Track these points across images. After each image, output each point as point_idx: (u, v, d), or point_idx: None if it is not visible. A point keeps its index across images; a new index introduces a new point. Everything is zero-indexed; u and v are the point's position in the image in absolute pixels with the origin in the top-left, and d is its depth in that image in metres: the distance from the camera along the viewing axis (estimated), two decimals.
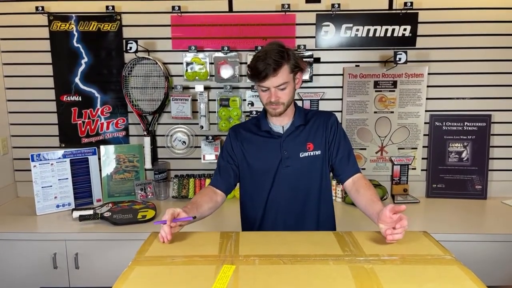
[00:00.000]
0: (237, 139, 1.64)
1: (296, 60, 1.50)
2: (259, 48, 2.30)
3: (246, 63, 2.37)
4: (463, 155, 2.43)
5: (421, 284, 1.00)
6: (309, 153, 1.57)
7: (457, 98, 2.41)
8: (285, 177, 1.56)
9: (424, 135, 2.45)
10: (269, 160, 1.57)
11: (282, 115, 1.55)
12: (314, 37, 2.36)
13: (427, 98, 2.40)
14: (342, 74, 2.40)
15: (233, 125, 1.75)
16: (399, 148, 2.46)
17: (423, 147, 2.46)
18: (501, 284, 1.90)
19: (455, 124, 2.42)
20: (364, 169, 2.46)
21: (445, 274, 1.04)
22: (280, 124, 1.59)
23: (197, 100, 2.41)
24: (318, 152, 1.57)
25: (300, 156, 1.56)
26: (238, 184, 1.69)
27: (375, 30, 2.34)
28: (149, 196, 2.45)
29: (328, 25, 2.35)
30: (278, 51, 1.45)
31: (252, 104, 2.40)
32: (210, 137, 2.40)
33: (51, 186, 2.23)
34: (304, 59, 2.34)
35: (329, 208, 1.65)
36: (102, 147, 2.43)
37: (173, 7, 2.28)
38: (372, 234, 1.32)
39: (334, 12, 2.29)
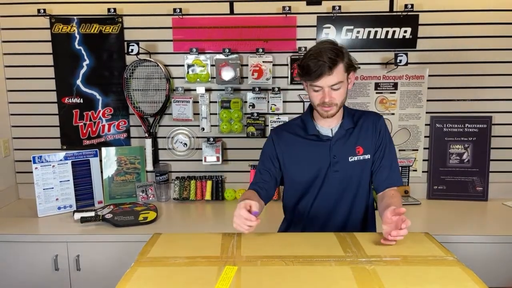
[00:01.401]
0: (280, 143, 1.57)
1: (350, 58, 1.43)
2: (260, 50, 2.31)
3: (247, 65, 2.37)
4: (464, 156, 2.43)
5: (423, 285, 1.00)
6: (358, 157, 1.51)
7: (458, 100, 2.42)
8: (333, 182, 1.51)
9: (425, 136, 2.45)
10: (317, 165, 1.51)
11: (336, 117, 1.50)
12: (315, 39, 2.37)
13: (427, 100, 2.41)
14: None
15: (275, 127, 1.67)
16: (400, 150, 2.46)
17: (424, 148, 2.46)
18: (502, 285, 1.89)
19: (456, 125, 2.42)
20: None
21: (447, 275, 1.04)
22: (328, 126, 1.53)
23: (198, 102, 2.41)
24: (367, 156, 1.52)
25: (350, 160, 1.51)
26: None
27: (376, 32, 2.35)
28: (150, 198, 2.45)
29: (329, 27, 2.36)
30: (333, 48, 1.38)
31: (253, 106, 2.41)
32: (211, 139, 2.40)
33: (52, 188, 2.23)
34: None
35: (373, 212, 1.62)
36: (103, 149, 2.44)
37: (174, 10, 2.29)
38: (374, 235, 1.32)
39: (334, 14, 2.29)
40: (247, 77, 2.39)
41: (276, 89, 2.37)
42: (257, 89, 2.37)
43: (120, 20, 2.38)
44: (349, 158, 1.51)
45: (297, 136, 1.55)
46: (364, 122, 1.55)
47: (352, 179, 1.52)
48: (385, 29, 2.34)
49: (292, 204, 1.62)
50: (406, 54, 2.22)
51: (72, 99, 2.45)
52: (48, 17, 2.36)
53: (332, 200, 1.54)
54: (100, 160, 2.41)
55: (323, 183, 1.52)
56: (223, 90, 2.40)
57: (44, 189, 2.21)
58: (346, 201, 1.54)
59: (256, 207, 1.29)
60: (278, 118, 2.39)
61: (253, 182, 1.58)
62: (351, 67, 1.43)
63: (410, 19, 2.32)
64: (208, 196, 2.45)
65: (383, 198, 1.48)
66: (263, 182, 1.56)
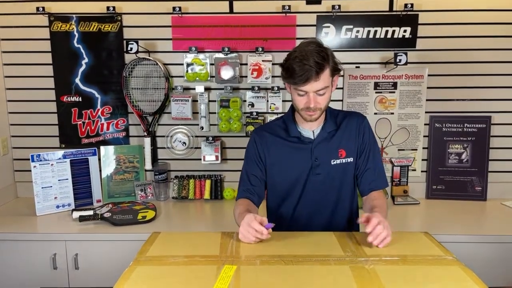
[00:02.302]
0: (262, 144, 1.54)
1: (335, 61, 1.38)
2: (260, 49, 2.31)
3: (246, 64, 2.37)
4: (463, 156, 2.43)
5: (422, 284, 1.00)
6: (341, 160, 1.49)
7: (457, 100, 2.42)
8: (314, 186, 1.49)
9: (424, 136, 2.45)
10: (299, 168, 1.49)
11: (318, 119, 1.46)
12: (314, 38, 2.36)
13: (427, 100, 2.41)
14: (343, 75, 2.40)
15: (256, 128, 1.62)
16: (399, 150, 2.46)
17: (423, 148, 2.46)
18: (501, 285, 1.90)
19: (455, 125, 2.42)
20: None
21: (447, 275, 1.04)
22: (310, 128, 1.50)
23: (197, 101, 2.41)
24: (350, 159, 1.50)
25: (332, 163, 1.48)
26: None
27: (376, 31, 2.35)
28: (149, 197, 2.45)
29: (329, 27, 2.36)
30: (319, 51, 1.32)
31: (252, 105, 2.40)
32: (210, 138, 2.40)
33: (51, 186, 2.23)
34: None
35: (356, 216, 1.59)
36: (102, 148, 2.43)
37: (173, 8, 2.29)
38: None
39: (334, 14, 2.29)
40: (246, 76, 2.39)
41: (276, 88, 2.36)
42: (257, 88, 2.36)
43: (119, 18, 2.37)
44: (332, 161, 1.49)
45: (278, 138, 1.52)
46: (348, 124, 1.52)
47: (334, 182, 1.50)
48: (384, 29, 2.34)
49: (275, 206, 1.60)
50: (406, 54, 2.22)
51: (71, 97, 2.45)
52: (47, 15, 2.35)
53: (314, 203, 1.52)
54: (99, 159, 2.40)
55: (304, 187, 1.50)
56: (222, 89, 2.39)
57: (42, 188, 2.20)
58: (329, 204, 1.52)
59: (266, 221, 1.27)
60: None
61: (242, 190, 1.54)
62: (336, 70, 1.39)
63: (409, 18, 2.32)
64: (207, 195, 2.44)
65: (367, 201, 1.48)
66: (253, 186, 1.54)
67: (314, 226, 1.54)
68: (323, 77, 1.33)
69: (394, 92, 2.41)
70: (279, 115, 1.65)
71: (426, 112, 2.42)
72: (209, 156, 2.43)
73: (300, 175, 1.49)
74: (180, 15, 2.33)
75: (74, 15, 2.37)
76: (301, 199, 1.52)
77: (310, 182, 1.49)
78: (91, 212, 2.09)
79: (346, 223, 1.56)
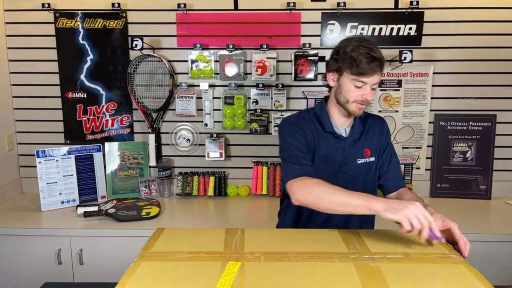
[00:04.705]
0: (304, 129, 1.44)
1: None
2: (264, 46, 2.30)
3: (251, 61, 2.37)
4: (468, 155, 2.42)
5: (427, 282, 0.99)
6: (365, 160, 1.49)
7: (462, 98, 2.41)
8: (339, 183, 1.42)
9: (429, 134, 2.44)
10: (329, 163, 1.47)
11: (349, 117, 1.47)
12: (319, 35, 2.36)
13: (432, 98, 2.40)
14: None
15: (288, 117, 1.53)
16: (403, 148, 2.45)
17: (428, 146, 2.46)
18: (505, 284, 1.89)
19: (460, 123, 2.41)
20: None
21: (451, 273, 1.04)
22: (343, 126, 1.49)
23: (201, 98, 2.41)
24: (372, 159, 1.51)
25: (357, 162, 1.49)
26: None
27: (381, 29, 2.34)
28: (153, 193, 2.45)
29: (334, 24, 2.35)
30: (377, 46, 1.35)
31: (256, 102, 2.40)
32: (215, 135, 2.40)
33: (56, 182, 2.24)
34: (309, 58, 2.33)
35: (372, 222, 1.60)
36: (106, 144, 2.44)
37: (178, 5, 2.29)
38: (378, 232, 1.32)
39: (339, 11, 2.28)
40: (250, 73, 2.39)
41: (280, 85, 2.36)
42: (261, 85, 2.36)
43: (124, 15, 2.37)
44: (358, 160, 1.49)
45: (315, 130, 1.48)
46: (372, 125, 1.54)
47: (358, 182, 1.49)
48: (390, 26, 2.33)
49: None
50: (411, 51, 2.21)
51: (76, 93, 2.46)
52: (52, 12, 2.36)
53: None
54: (104, 155, 2.41)
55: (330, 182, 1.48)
56: (226, 86, 2.40)
57: (47, 184, 2.21)
58: None
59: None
60: (282, 115, 2.39)
61: (303, 169, 1.37)
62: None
63: (415, 16, 2.31)
64: (211, 192, 2.45)
65: (397, 198, 1.48)
66: (307, 160, 1.41)
67: (331, 226, 1.51)
68: (381, 72, 1.37)
69: (398, 90, 2.40)
70: (308, 108, 1.58)
71: (430, 110, 2.41)
72: (213, 153, 2.44)
73: (327, 172, 1.45)
74: (185, 11, 2.33)
75: (79, 12, 2.37)
76: None
77: (336, 180, 1.43)
78: (95, 208, 2.10)
79: (363, 223, 1.55)
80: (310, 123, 1.48)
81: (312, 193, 1.29)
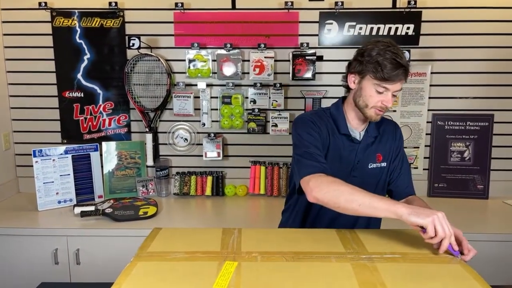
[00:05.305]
0: (322, 129, 1.42)
1: None
2: (262, 45, 2.30)
3: (248, 60, 2.36)
4: (465, 154, 2.42)
5: (424, 282, 0.99)
6: (377, 165, 1.48)
7: (460, 98, 2.41)
8: None
9: (427, 134, 2.44)
10: (341, 166, 1.44)
11: (365, 121, 1.45)
12: (317, 35, 2.36)
13: (429, 97, 2.40)
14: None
15: (306, 113, 1.51)
16: None
17: (425, 146, 2.46)
18: (502, 283, 1.89)
19: (458, 123, 2.41)
20: None
21: (448, 273, 1.04)
22: (357, 129, 1.47)
23: (199, 97, 2.41)
24: (384, 164, 1.49)
25: (369, 167, 1.47)
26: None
27: (378, 28, 2.33)
28: (150, 193, 2.45)
29: (331, 23, 2.35)
30: (403, 53, 1.32)
31: (254, 101, 2.40)
32: (212, 135, 2.40)
33: (52, 182, 2.23)
34: (307, 57, 2.33)
35: (380, 221, 1.58)
36: (104, 144, 2.43)
37: (176, 4, 2.28)
38: (375, 232, 1.32)
39: (337, 10, 2.28)
40: (248, 73, 2.39)
41: (278, 85, 2.36)
42: (259, 84, 2.36)
43: (122, 14, 2.36)
44: (369, 164, 1.47)
45: (331, 129, 1.45)
46: (385, 130, 1.52)
47: (367, 187, 1.41)
48: (387, 26, 2.33)
49: (305, 201, 1.49)
50: (409, 51, 2.22)
51: (73, 93, 2.45)
52: (49, 11, 2.35)
53: None
54: (101, 155, 2.40)
55: None
56: (224, 85, 2.39)
57: (44, 183, 2.20)
58: None
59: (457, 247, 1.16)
60: (279, 114, 2.39)
61: (317, 166, 1.33)
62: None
63: (413, 15, 2.31)
64: (208, 191, 2.44)
65: (412, 203, 1.42)
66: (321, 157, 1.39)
67: (338, 225, 1.48)
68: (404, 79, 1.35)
69: None
70: (323, 108, 1.56)
71: (428, 110, 2.41)
72: (211, 152, 2.43)
73: (338, 173, 1.37)
74: (182, 11, 2.33)
75: (76, 10, 2.36)
76: None
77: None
78: (92, 208, 2.09)
79: (370, 223, 1.54)
80: (326, 122, 1.46)
81: (331, 191, 1.25)
